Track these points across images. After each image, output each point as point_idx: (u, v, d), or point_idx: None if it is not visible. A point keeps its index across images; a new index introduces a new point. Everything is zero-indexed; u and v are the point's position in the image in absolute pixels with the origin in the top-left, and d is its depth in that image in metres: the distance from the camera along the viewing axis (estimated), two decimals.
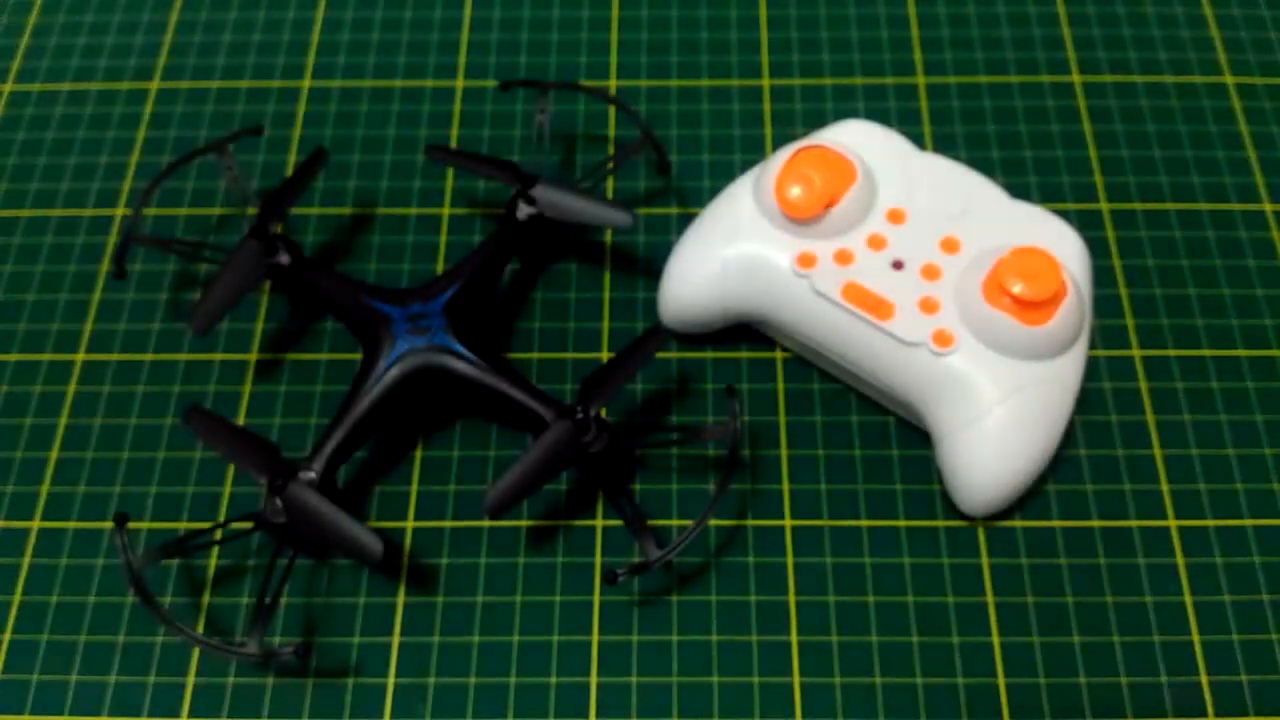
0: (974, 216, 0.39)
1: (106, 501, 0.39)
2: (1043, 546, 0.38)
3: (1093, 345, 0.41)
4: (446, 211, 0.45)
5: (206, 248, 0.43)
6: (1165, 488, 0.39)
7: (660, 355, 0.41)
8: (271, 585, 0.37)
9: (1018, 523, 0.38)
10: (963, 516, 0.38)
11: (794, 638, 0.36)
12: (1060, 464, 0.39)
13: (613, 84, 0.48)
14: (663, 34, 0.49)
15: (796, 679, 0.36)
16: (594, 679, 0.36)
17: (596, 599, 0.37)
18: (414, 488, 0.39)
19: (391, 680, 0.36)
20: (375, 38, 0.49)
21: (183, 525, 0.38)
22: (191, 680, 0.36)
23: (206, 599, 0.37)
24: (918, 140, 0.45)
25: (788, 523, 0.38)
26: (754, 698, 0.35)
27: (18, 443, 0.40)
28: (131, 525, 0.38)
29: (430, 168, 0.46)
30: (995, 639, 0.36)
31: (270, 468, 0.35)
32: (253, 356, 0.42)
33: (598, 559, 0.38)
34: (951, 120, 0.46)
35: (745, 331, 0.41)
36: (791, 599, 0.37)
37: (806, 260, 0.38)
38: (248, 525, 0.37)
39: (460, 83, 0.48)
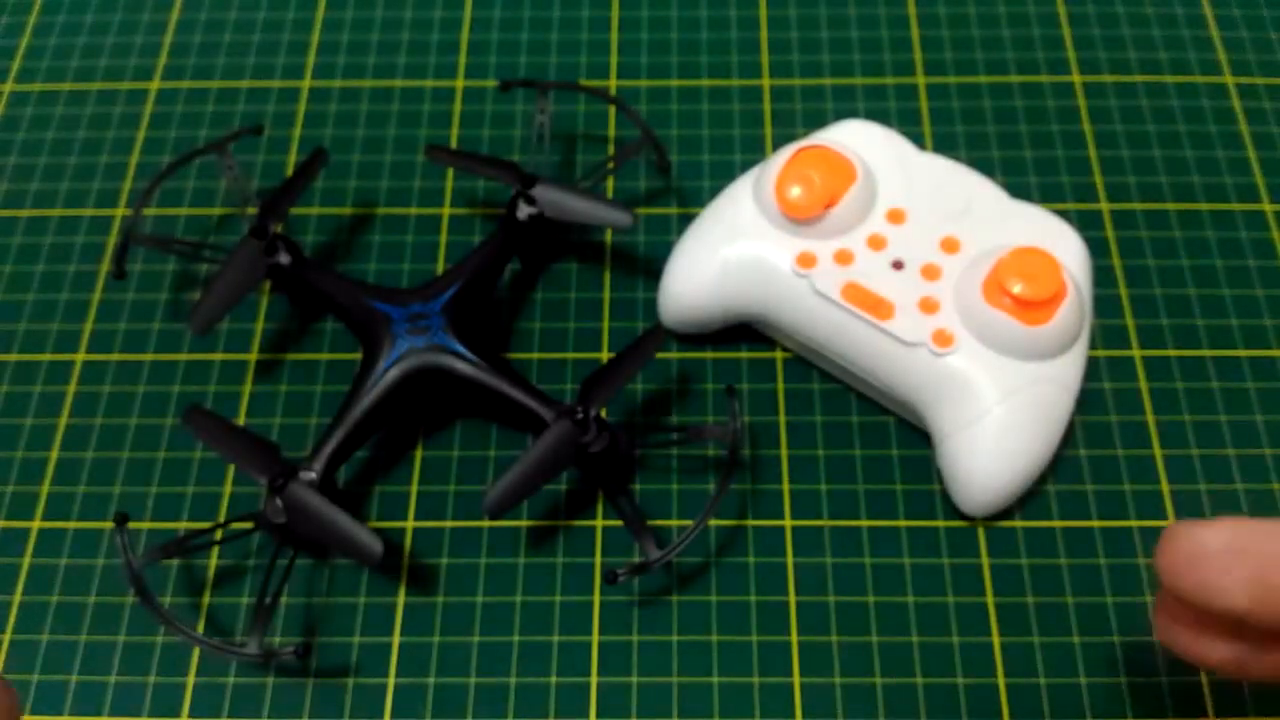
0: (974, 216, 0.39)
1: (106, 501, 0.39)
2: (1043, 546, 0.38)
3: (1093, 345, 0.41)
4: (446, 211, 0.45)
5: (206, 248, 0.43)
6: (1165, 488, 0.39)
7: (660, 355, 0.41)
8: (271, 585, 0.37)
9: (1018, 523, 0.38)
10: (963, 516, 0.38)
11: (794, 638, 0.36)
12: (1060, 464, 0.39)
13: (613, 84, 0.48)
14: (663, 34, 0.49)
15: (796, 679, 0.36)
16: (594, 679, 0.36)
17: (596, 599, 0.37)
18: (414, 488, 0.39)
19: (391, 680, 0.36)
20: (375, 38, 0.49)
21: (183, 525, 0.38)
22: (191, 680, 0.36)
23: (206, 599, 0.37)
24: (918, 140, 0.45)
25: (788, 523, 0.38)
26: (754, 698, 0.35)
27: (18, 443, 0.40)
28: (131, 525, 0.38)
29: (430, 168, 0.46)
30: (995, 639, 0.36)
31: (270, 468, 0.35)
32: (253, 356, 0.42)
33: (598, 559, 0.38)
34: (951, 120, 0.46)
35: (745, 331, 0.41)
36: (791, 599, 0.37)
37: (806, 260, 0.38)
38: (248, 525, 0.37)
39: (460, 83, 0.48)
